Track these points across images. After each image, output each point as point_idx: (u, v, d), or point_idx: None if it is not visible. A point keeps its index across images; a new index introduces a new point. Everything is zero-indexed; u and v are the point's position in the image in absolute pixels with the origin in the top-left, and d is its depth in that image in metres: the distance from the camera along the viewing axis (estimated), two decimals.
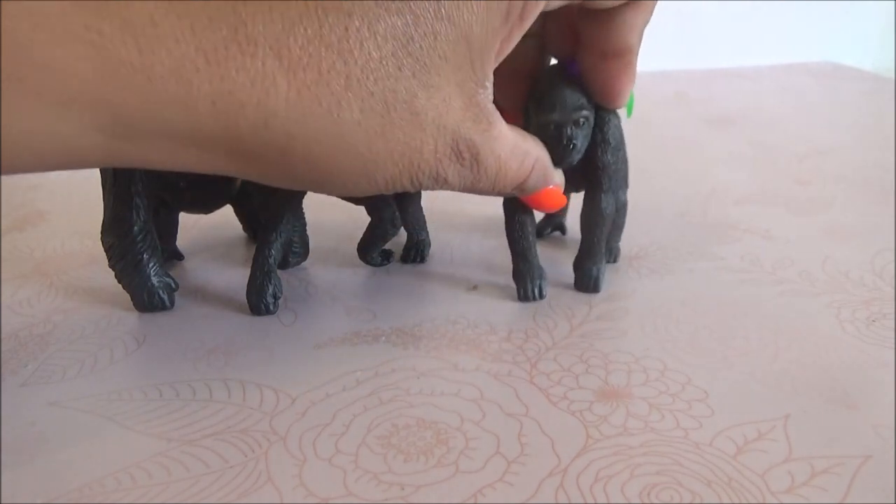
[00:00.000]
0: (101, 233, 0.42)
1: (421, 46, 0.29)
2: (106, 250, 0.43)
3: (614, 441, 0.32)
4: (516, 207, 0.44)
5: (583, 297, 0.45)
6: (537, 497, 0.29)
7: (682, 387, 0.36)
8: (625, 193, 0.48)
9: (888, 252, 0.50)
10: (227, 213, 0.52)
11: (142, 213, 0.42)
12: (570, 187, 0.47)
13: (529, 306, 0.44)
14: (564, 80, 0.41)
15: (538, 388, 0.36)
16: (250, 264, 0.44)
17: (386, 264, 0.49)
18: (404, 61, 0.29)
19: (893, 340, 0.39)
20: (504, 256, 0.50)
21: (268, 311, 0.43)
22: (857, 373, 0.37)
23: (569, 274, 0.47)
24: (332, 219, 0.56)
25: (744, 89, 1.04)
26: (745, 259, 0.49)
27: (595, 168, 0.43)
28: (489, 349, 0.39)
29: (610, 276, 0.47)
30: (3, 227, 0.56)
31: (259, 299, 0.43)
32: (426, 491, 0.30)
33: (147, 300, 0.43)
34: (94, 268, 0.49)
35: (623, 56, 0.39)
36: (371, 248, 0.48)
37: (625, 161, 0.46)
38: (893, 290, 0.45)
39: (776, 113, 0.90)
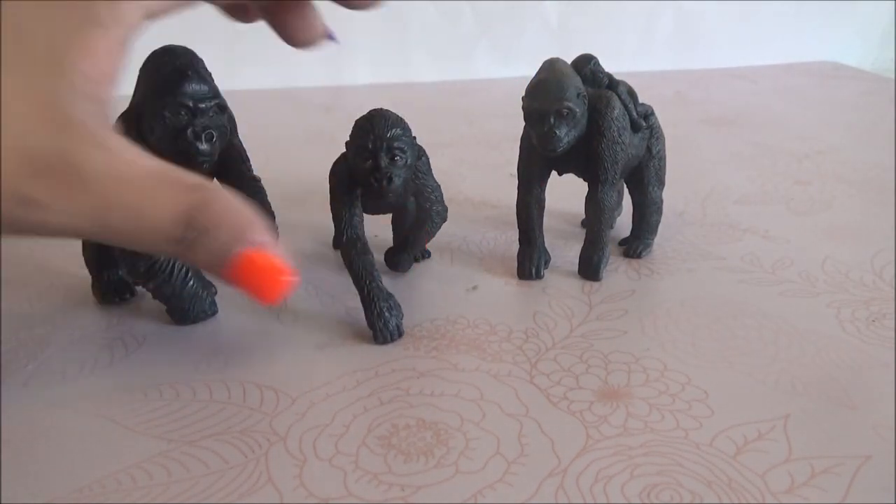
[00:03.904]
0: (128, 265, 0.40)
1: None
2: (142, 274, 0.40)
3: (614, 441, 0.32)
4: (526, 191, 0.47)
5: (583, 296, 0.45)
6: (537, 497, 0.29)
7: (682, 387, 0.36)
8: (660, 192, 0.49)
9: (888, 252, 0.50)
10: None
11: None
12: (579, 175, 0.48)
13: (529, 306, 0.44)
14: (555, 71, 0.42)
15: (538, 388, 0.36)
16: None
17: (420, 260, 0.50)
18: None
19: (893, 340, 0.39)
20: (503, 257, 0.50)
21: (267, 311, 0.43)
22: (857, 373, 0.37)
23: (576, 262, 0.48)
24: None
25: (744, 89, 1.04)
26: (745, 259, 0.49)
27: (591, 160, 0.44)
28: (489, 349, 0.39)
29: (610, 276, 0.47)
30: None
31: None
32: (426, 491, 0.30)
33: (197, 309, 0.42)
34: None
35: None
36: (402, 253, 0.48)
37: (660, 159, 0.49)
38: (893, 290, 0.45)
39: (776, 113, 0.90)
